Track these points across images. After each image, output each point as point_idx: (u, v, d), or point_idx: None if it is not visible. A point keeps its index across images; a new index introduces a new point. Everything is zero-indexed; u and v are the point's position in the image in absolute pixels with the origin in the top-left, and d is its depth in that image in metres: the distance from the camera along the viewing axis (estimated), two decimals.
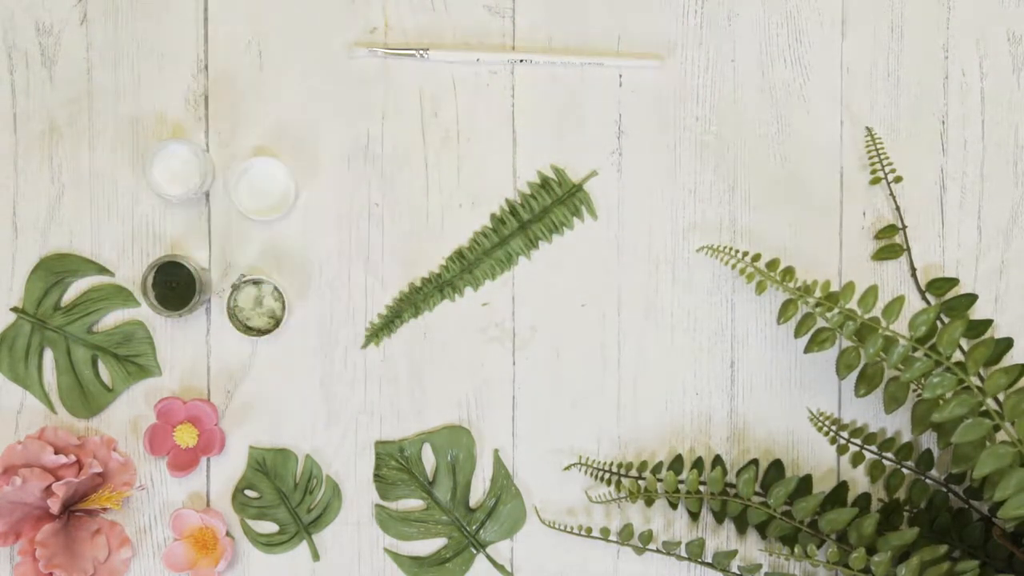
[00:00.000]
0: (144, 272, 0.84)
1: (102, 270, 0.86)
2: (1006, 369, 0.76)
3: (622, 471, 0.86)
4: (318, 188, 0.86)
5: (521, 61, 0.86)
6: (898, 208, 0.87)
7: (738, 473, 0.83)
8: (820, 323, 0.81)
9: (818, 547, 0.81)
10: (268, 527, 0.87)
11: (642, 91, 0.87)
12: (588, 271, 0.87)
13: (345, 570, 0.87)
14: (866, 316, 0.78)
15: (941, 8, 0.88)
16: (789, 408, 0.87)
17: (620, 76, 0.87)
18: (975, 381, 0.76)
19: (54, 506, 0.82)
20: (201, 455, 0.85)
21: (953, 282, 0.87)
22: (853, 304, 0.79)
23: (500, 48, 0.87)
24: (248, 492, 0.87)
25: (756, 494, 0.84)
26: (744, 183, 0.87)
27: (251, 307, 0.86)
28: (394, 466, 0.87)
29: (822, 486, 0.87)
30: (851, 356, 0.82)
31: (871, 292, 0.78)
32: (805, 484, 0.85)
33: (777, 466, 0.86)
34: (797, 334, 0.82)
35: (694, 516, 0.87)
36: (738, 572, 0.83)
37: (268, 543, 0.86)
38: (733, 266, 0.86)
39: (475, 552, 0.87)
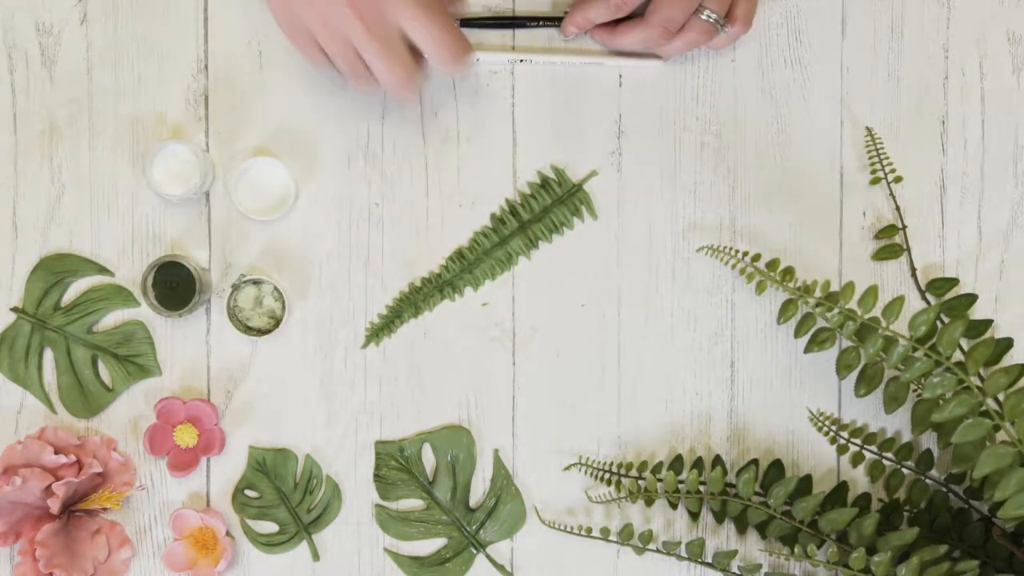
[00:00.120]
0: (144, 272, 0.84)
1: (102, 270, 0.86)
2: (1006, 369, 0.76)
3: (622, 471, 0.86)
4: (318, 188, 0.86)
5: (521, 61, 0.86)
6: (898, 208, 0.87)
7: (738, 473, 0.83)
8: (820, 323, 0.81)
9: (818, 547, 0.81)
10: (268, 527, 0.87)
11: (642, 91, 0.87)
12: (588, 271, 0.87)
13: (345, 570, 0.87)
14: (866, 316, 0.78)
15: (941, 8, 0.88)
16: (789, 408, 0.87)
17: (620, 76, 0.87)
18: (975, 381, 0.76)
19: (54, 506, 0.82)
20: (201, 455, 0.85)
21: (953, 282, 0.87)
22: (853, 304, 0.79)
23: (500, 48, 0.87)
24: (248, 492, 0.87)
25: (756, 494, 0.84)
26: (744, 183, 0.87)
27: (251, 307, 0.86)
28: (394, 466, 0.87)
29: (822, 486, 0.87)
30: (851, 356, 0.82)
31: (871, 292, 0.78)
32: (805, 484, 0.85)
33: (777, 466, 0.86)
34: (797, 334, 0.82)
35: (694, 516, 0.87)
36: (738, 572, 0.83)
37: (268, 543, 0.86)
38: (733, 266, 0.86)
39: (475, 552, 0.87)
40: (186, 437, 0.85)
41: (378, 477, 0.87)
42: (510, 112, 0.87)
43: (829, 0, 0.88)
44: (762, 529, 0.85)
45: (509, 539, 0.87)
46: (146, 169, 0.84)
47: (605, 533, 0.84)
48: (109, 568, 0.85)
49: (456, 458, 0.87)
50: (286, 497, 0.86)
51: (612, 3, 0.82)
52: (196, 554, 0.85)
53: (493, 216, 0.87)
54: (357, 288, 0.87)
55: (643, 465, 0.86)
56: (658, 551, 0.84)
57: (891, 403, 0.83)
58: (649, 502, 0.85)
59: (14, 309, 0.86)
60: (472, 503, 0.87)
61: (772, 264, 0.81)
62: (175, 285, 0.85)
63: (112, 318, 0.87)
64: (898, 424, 0.87)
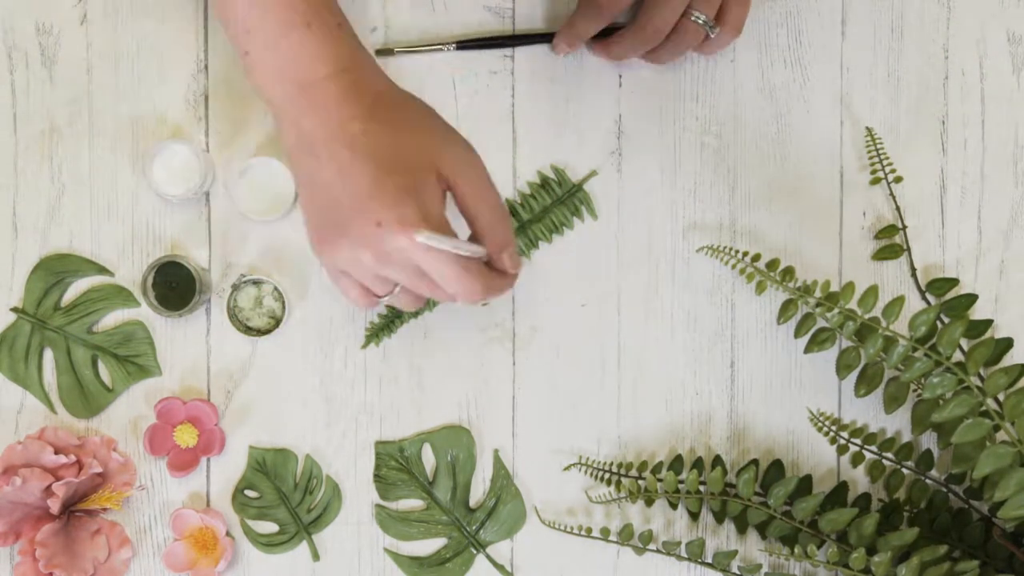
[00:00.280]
0: (144, 272, 0.84)
1: (102, 270, 0.86)
2: (1006, 369, 0.76)
3: (622, 471, 0.86)
4: None
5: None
6: (898, 208, 0.87)
7: (738, 473, 0.83)
8: (820, 323, 0.81)
9: (818, 547, 0.81)
10: (268, 527, 0.87)
11: (642, 91, 0.87)
12: (588, 271, 0.87)
13: (345, 570, 0.87)
14: (866, 316, 0.78)
15: (941, 8, 0.88)
16: (789, 408, 0.87)
17: (620, 76, 0.87)
18: (975, 381, 0.76)
19: (54, 506, 0.82)
20: (201, 455, 0.85)
21: (953, 282, 0.87)
22: (853, 304, 0.79)
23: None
24: (248, 492, 0.87)
25: (756, 494, 0.84)
26: (744, 183, 0.87)
27: (251, 307, 0.86)
28: (394, 466, 0.87)
29: (822, 486, 0.87)
30: (851, 356, 0.82)
31: (871, 292, 0.78)
32: (805, 484, 0.85)
33: (777, 466, 0.86)
34: (797, 334, 0.82)
35: (694, 516, 0.87)
36: (738, 572, 0.83)
37: (268, 543, 0.86)
38: (733, 266, 0.86)
39: (475, 552, 0.87)
40: (186, 437, 0.85)
41: (378, 477, 0.87)
42: (510, 112, 0.87)
43: (829, 0, 0.88)
44: (762, 529, 0.85)
45: (509, 539, 0.87)
46: (146, 169, 0.84)
47: (605, 533, 0.84)
48: (109, 568, 0.85)
49: (456, 458, 0.87)
50: (286, 497, 0.86)
51: (596, 6, 0.81)
52: (196, 554, 0.85)
53: None
54: None
55: (643, 465, 0.86)
56: (658, 551, 0.84)
57: (891, 403, 0.83)
58: (649, 502, 0.85)
59: (14, 309, 0.86)
60: (472, 503, 0.87)
61: (772, 264, 0.81)
62: (175, 285, 0.85)
63: (112, 318, 0.87)
64: (898, 424, 0.87)
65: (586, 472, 0.87)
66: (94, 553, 0.85)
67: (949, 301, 0.86)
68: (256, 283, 0.85)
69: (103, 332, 0.86)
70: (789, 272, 0.80)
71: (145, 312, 0.86)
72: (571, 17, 0.83)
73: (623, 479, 0.86)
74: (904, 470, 0.85)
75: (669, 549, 0.83)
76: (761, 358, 0.87)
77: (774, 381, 0.87)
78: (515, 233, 0.86)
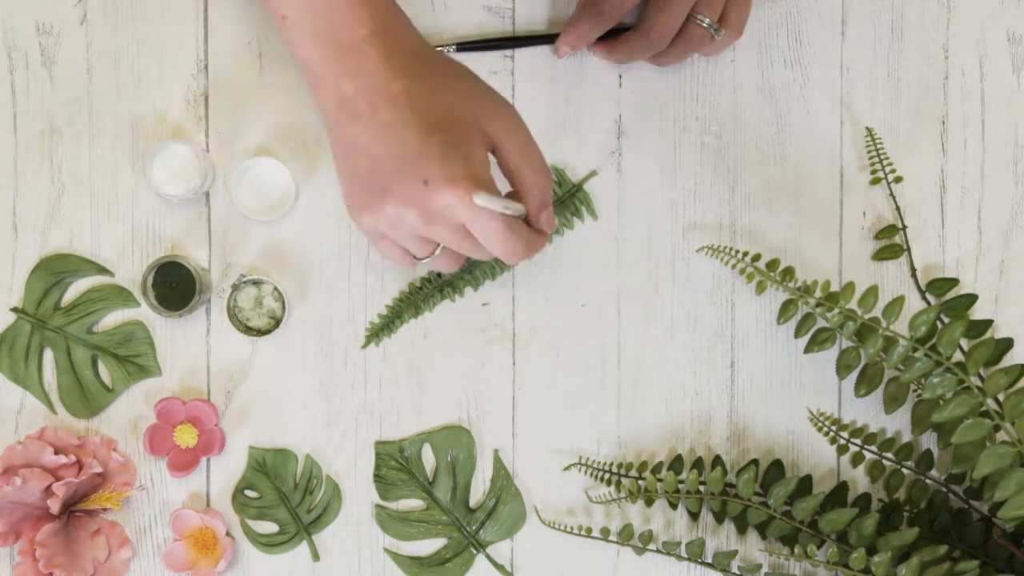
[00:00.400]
0: (144, 272, 0.84)
1: (102, 270, 0.86)
2: (1006, 369, 0.76)
3: (622, 471, 0.86)
4: (318, 188, 0.86)
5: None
6: (898, 208, 0.87)
7: (738, 473, 0.83)
8: (820, 323, 0.81)
9: (818, 547, 0.81)
10: (268, 527, 0.87)
11: (642, 91, 0.87)
12: (588, 271, 0.87)
13: (345, 570, 0.87)
14: (866, 316, 0.78)
15: (941, 8, 0.88)
16: (789, 408, 0.87)
17: (620, 76, 0.87)
18: (975, 381, 0.76)
19: (54, 506, 0.82)
20: (201, 455, 0.85)
21: (953, 282, 0.87)
22: (853, 304, 0.79)
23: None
24: (248, 492, 0.87)
25: (756, 494, 0.84)
26: (744, 183, 0.87)
27: (251, 307, 0.86)
28: (394, 466, 0.87)
29: (822, 486, 0.87)
30: (851, 356, 0.82)
31: (871, 292, 0.78)
32: (805, 484, 0.85)
33: (777, 466, 0.86)
34: (797, 334, 0.82)
35: (694, 516, 0.87)
36: (738, 572, 0.83)
37: (268, 543, 0.86)
38: (733, 266, 0.86)
39: (475, 552, 0.87)
40: (186, 437, 0.85)
41: (378, 477, 0.87)
42: None
43: (829, 0, 0.88)
44: (762, 529, 0.85)
45: (509, 539, 0.87)
46: (146, 169, 0.84)
47: (605, 533, 0.84)
48: (109, 568, 0.85)
49: (456, 458, 0.87)
50: (286, 497, 0.86)
51: (600, 9, 0.81)
52: (196, 554, 0.85)
53: None
54: (357, 288, 0.87)
55: (643, 465, 0.86)
56: (658, 551, 0.84)
57: (891, 403, 0.83)
58: (649, 502, 0.85)
59: (14, 309, 0.86)
60: (472, 503, 0.87)
61: (772, 264, 0.81)
62: (175, 285, 0.85)
63: (112, 318, 0.87)
64: (898, 424, 0.87)
65: (586, 472, 0.87)
66: (94, 553, 0.85)
67: (949, 301, 0.86)
68: (256, 283, 0.85)
69: (103, 332, 0.86)
70: (789, 272, 0.80)
71: (145, 312, 0.86)
72: (574, 20, 0.83)
73: (623, 479, 0.86)
74: (904, 470, 0.85)
75: (669, 549, 0.83)
76: (761, 358, 0.87)
77: (774, 381, 0.87)
78: None
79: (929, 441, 0.87)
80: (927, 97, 0.88)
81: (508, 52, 0.87)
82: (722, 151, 0.87)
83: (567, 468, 0.87)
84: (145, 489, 0.86)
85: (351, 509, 0.87)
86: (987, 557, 0.81)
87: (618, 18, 0.82)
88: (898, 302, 0.78)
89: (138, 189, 0.86)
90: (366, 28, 0.69)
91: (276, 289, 0.85)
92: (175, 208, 0.86)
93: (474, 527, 0.87)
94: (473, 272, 0.87)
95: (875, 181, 0.87)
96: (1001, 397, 0.77)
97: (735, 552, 0.83)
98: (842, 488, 0.86)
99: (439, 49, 0.71)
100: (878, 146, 0.86)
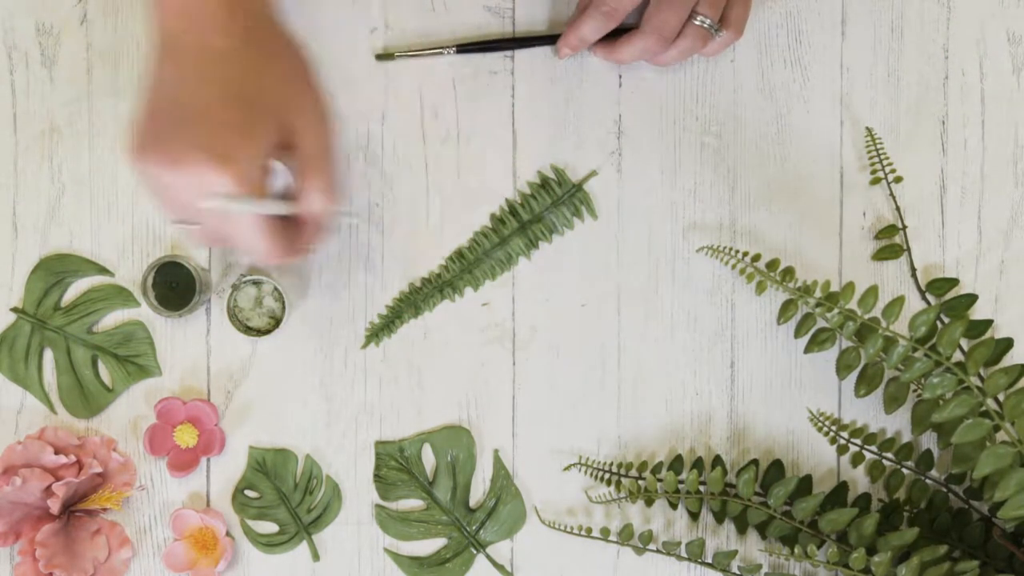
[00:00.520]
0: (144, 272, 0.84)
1: (102, 270, 0.86)
2: (1006, 369, 0.76)
3: (622, 471, 0.86)
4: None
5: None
6: (898, 208, 0.87)
7: (738, 473, 0.83)
8: (820, 323, 0.81)
9: (818, 547, 0.81)
10: (268, 527, 0.87)
11: (642, 91, 0.87)
12: (588, 271, 0.87)
13: (345, 570, 0.87)
14: (866, 316, 0.78)
15: (941, 8, 0.88)
16: (789, 408, 0.87)
17: (620, 76, 0.87)
18: (975, 381, 0.76)
19: (54, 506, 0.82)
20: (201, 455, 0.85)
21: (953, 282, 0.87)
22: (853, 304, 0.79)
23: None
24: (248, 492, 0.87)
25: (756, 494, 0.84)
26: (744, 183, 0.87)
27: (251, 307, 0.86)
28: (394, 466, 0.87)
29: (822, 486, 0.87)
30: (851, 356, 0.82)
31: (871, 292, 0.78)
32: (805, 484, 0.85)
33: (777, 466, 0.86)
34: (797, 334, 0.82)
35: (694, 516, 0.87)
36: (738, 572, 0.83)
37: (268, 543, 0.86)
38: (733, 266, 0.86)
39: (475, 552, 0.87)
40: (186, 437, 0.85)
41: (378, 477, 0.87)
42: (510, 112, 0.87)
43: (829, 0, 0.88)
44: (762, 529, 0.85)
45: (509, 539, 0.87)
46: None
47: (605, 533, 0.84)
48: (109, 568, 0.85)
49: (456, 458, 0.87)
50: (286, 497, 0.86)
51: (602, 11, 0.81)
52: (196, 554, 0.85)
53: (493, 216, 0.87)
54: (357, 288, 0.87)
55: (643, 465, 0.86)
56: (658, 551, 0.84)
57: (891, 403, 0.83)
58: (649, 502, 0.85)
59: (14, 309, 0.86)
60: (472, 503, 0.87)
61: (772, 264, 0.81)
62: (175, 285, 0.85)
63: (112, 318, 0.87)
64: (898, 424, 0.87)
65: (586, 472, 0.87)
66: (94, 553, 0.85)
67: (949, 301, 0.86)
68: (256, 283, 0.85)
69: (103, 332, 0.86)
70: (789, 272, 0.80)
71: (145, 312, 0.86)
72: (575, 21, 0.83)
73: (623, 479, 0.86)
74: (904, 470, 0.85)
75: (669, 549, 0.83)
76: (761, 358, 0.87)
77: (774, 381, 0.87)
78: (515, 233, 0.87)
79: (929, 441, 0.87)
80: (927, 97, 0.88)
81: (508, 52, 0.87)
82: (722, 151, 0.87)
83: (567, 468, 0.87)
84: (145, 489, 0.86)
85: (351, 509, 0.87)
86: (987, 557, 0.81)
87: (619, 19, 0.82)
88: (898, 302, 0.78)
89: (138, 189, 0.86)
90: None
91: (276, 289, 0.85)
92: None
93: (474, 527, 0.87)
94: (473, 272, 0.87)
95: (875, 181, 0.87)
96: (1001, 397, 0.77)
97: (735, 552, 0.83)
98: (842, 488, 0.86)
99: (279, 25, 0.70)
100: (878, 146, 0.86)
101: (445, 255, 0.87)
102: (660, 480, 0.85)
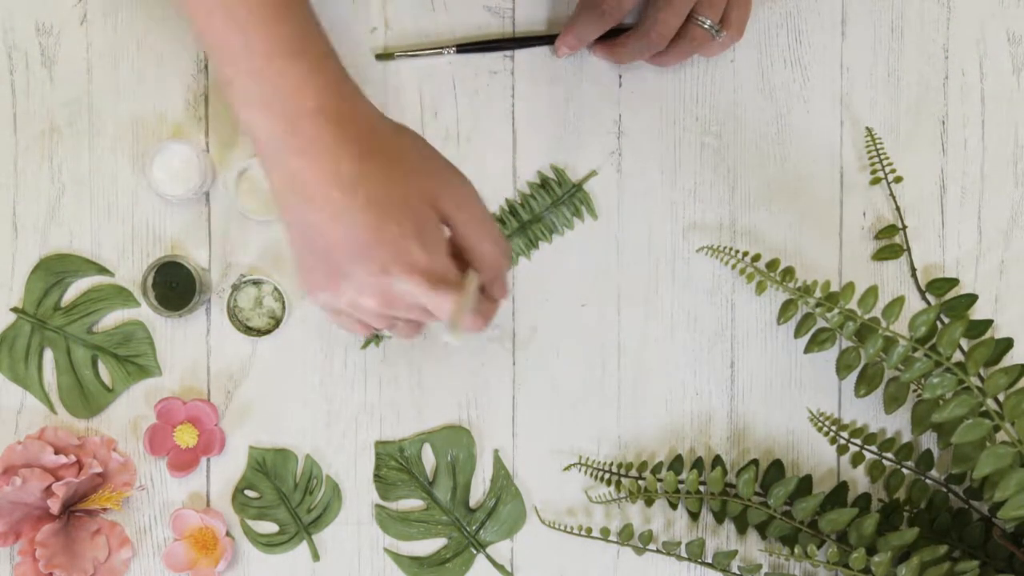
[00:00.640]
0: (144, 272, 0.84)
1: (102, 270, 0.86)
2: (1006, 369, 0.76)
3: (622, 471, 0.86)
4: None
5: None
6: (898, 208, 0.87)
7: (738, 473, 0.83)
8: (820, 323, 0.81)
9: (818, 547, 0.81)
10: (268, 527, 0.87)
11: (642, 91, 0.87)
12: (588, 271, 0.87)
13: (345, 570, 0.87)
14: (866, 316, 0.78)
15: (941, 8, 0.88)
16: (789, 408, 0.87)
17: (620, 76, 0.87)
18: (975, 381, 0.76)
19: (54, 506, 0.82)
20: (201, 455, 0.85)
21: (953, 282, 0.87)
22: (853, 304, 0.79)
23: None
24: (248, 492, 0.87)
25: (756, 494, 0.84)
26: (744, 183, 0.87)
27: (251, 307, 0.86)
28: (394, 466, 0.87)
29: (822, 486, 0.87)
30: (851, 356, 0.82)
31: (871, 292, 0.78)
32: (805, 484, 0.85)
33: (777, 466, 0.86)
34: (797, 334, 0.82)
35: (694, 516, 0.87)
36: (738, 572, 0.83)
37: (268, 543, 0.86)
38: (733, 266, 0.86)
39: (475, 552, 0.87)
40: (186, 437, 0.85)
41: (378, 477, 0.87)
42: (510, 112, 0.87)
43: (829, 0, 0.88)
44: (762, 529, 0.85)
45: (509, 539, 0.87)
46: (146, 169, 0.84)
47: (605, 533, 0.84)
48: (109, 568, 0.85)
49: (456, 458, 0.87)
50: (286, 497, 0.86)
51: (600, 10, 0.81)
52: (196, 554, 0.85)
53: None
54: None
55: (643, 465, 0.86)
56: (658, 551, 0.84)
57: (891, 403, 0.83)
58: (649, 502, 0.85)
59: (14, 309, 0.86)
60: (472, 503, 0.87)
61: (772, 264, 0.81)
62: (175, 285, 0.85)
63: (112, 318, 0.87)
64: (898, 424, 0.87)
65: (586, 472, 0.86)
66: (94, 553, 0.85)
67: (949, 301, 0.86)
68: (256, 283, 0.85)
69: (103, 332, 0.86)
70: (789, 272, 0.80)
71: (145, 312, 0.86)
72: (573, 20, 0.83)
73: (623, 479, 0.86)
74: (904, 470, 0.85)
75: (669, 549, 0.83)
76: (761, 358, 0.87)
77: (774, 381, 0.87)
78: (515, 233, 0.87)
79: (929, 441, 0.87)
80: (927, 97, 0.88)
81: (508, 52, 0.87)
82: (722, 151, 0.87)
83: (567, 468, 0.87)
84: (145, 489, 0.86)
85: (351, 509, 0.87)
86: (987, 557, 0.81)
87: (618, 18, 0.82)
88: (898, 302, 0.78)
89: (138, 189, 0.86)
90: (315, 100, 0.64)
91: (276, 289, 0.85)
92: (175, 208, 0.86)
93: (474, 527, 0.87)
94: None
95: (875, 181, 0.87)
96: (1001, 397, 0.77)
97: (735, 552, 0.83)
98: (842, 488, 0.86)
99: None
100: (878, 146, 0.86)
101: None
102: (660, 480, 0.85)
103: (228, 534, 0.86)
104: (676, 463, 0.86)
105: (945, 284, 0.87)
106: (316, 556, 0.86)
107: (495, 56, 0.87)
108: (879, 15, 0.88)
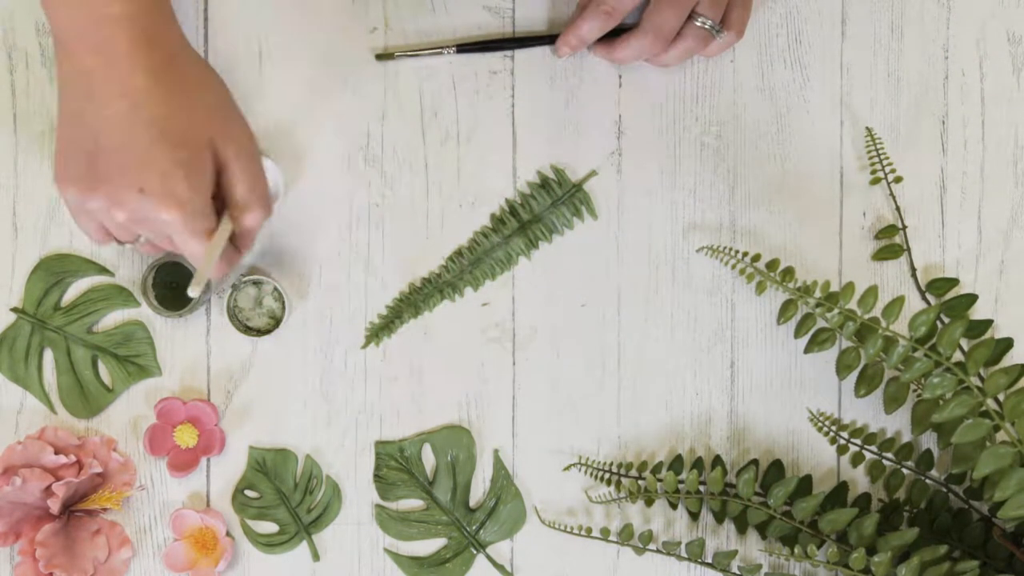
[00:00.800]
0: (144, 272, 0.84)
1: (102, 270, 0.86)
2: (1006, 369, 0.76)
3: (622, 471, 0.86)
4: (318, 188, 0.86)
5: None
6: (898, 208, 0.87)
7: (738, 473, 0.83)
8: (820, 323, 0.81)
9: (818, 547, 0.81)
10: (268, 527, 0.87)
11: (642, 91, 0.87)
12: (588, 271, 0.87)
13: (345, 570, 0.87)
14: (866, 316, 0.78)
15: (941, 8, 0.88)
16: (789, 408, 0.87)
17: (620, 76, 0.87)
18: (975, 381, 0.76)
19: (54, 506, 0.82)
20: (201, 455, 0.85)
21: (953, 282, 0.87)
22: (853, 304, 0.79)
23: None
24: (248, 492, 0.87)
25: (756, 494, 0.84)
26: (744, 183, 0.87)
27: (251, 307, 0.86)
28: (394, 466, 0.87)
29: (822, 486, 0.87)
30: (851, 356, 0.82)
31: (871, 292, 0.78)
32: (805, 484, 0.85)
33: (777, 466, 0.86)
34: (797, 334, 0.82)
35: (694, 516, 0.87)
36: (738, 572, 0.83)
37: (268, 543, 0.86)
38: (733, 266, 0.86)
39: (475, 552, 0.87)
40: (186, 437, 0.85)
41: (378, 477, 0.87)
42: (510, 112, 0.87)
43: (829, 0, 0.88)
44: (762, 529, 0.85)
45: (509, 539, 0.87)
46: None
47: (605, 533, 0.84)
48: (109, 568, 0.85)
49: (456, 458, 0.87)
50: (286, 497, 0.86)
51: (601, 10, 0.81)
52: (196, 554, 0.85)
53: (493, 216, 0.87)
54: (357, 288, 0.87)
55: (643, 465, 0.86)
56: (658, 551, 0.84)
57: (891, 403, 0.83)
58: (649, 502, 0.85)
59: (14, 309, 0.86)
60: (472, 503, 0.87)
61: (772, 264, 0.81)
62: (175, 285, 0.85)
63: (112, 318, 0.87)
64: (898, 424, 0.87)
65: (586, 472, 0.87)
66: (94, 553, 0.85)
67: (949, 301, 0.86)
68: (256, 283, 0.85)
69: (103, 332, 0.86)
70: (789, 272, 0.80)
71: (145, 312, 0.86)
72: (574, 20, 0.83)
73: (623, 479, 0.86)
74: (904, 470, 0.85)
75: (669, 549, 0.83)
76: (761, 358, 0.87)
77: (774, 381, 0.87)
78: (515, 233, 0.87)
79: (929, 441, 0.87)
80: (927, 97, 0.88)
81: (508, 52, 0.87)
82: (722, 151, 0.87)
83: (567, 468, 0.87)
84: (145, 489, 0.86)
85: (351, 509, 0.87)
86: (987, 557, 0.81)
87: (618, 19, 0.82)
88: (898, 302, 0.78)
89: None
90: (119, 7, 0.65)
91: (276, 289, 0.85)
92: None
93: (474, 527, 0.87)
94: (473, 272, 0.87)
95: (875, 181, 0.87)
96: (1001, 397, 0.77)
97: (735, 552, 0.83)
98: (842, 488, 0.86)
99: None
100: (878, 146, 0.86)
101: (445, 255, 0.87)
102: (660, 480, 0.85)
103: (228, 534, 0.86)
104: (676, 463, 0.86)
105: (945, 284, 0.87)
106: (316, 556, 0.86)
107: (495, 56, 0.87)
108: (879, 15, 0.88)
